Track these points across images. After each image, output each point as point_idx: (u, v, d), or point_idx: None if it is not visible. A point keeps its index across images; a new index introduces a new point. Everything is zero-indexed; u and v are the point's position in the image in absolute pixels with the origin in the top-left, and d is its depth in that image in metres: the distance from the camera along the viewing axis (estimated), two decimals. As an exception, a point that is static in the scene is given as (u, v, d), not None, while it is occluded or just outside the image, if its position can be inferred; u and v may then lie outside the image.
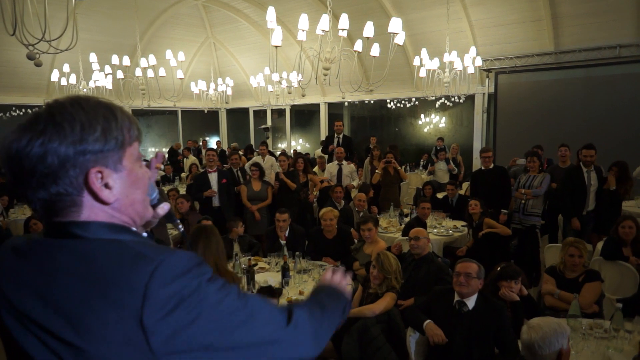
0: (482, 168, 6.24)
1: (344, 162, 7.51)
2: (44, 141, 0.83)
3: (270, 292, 3.02)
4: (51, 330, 0.82)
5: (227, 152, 11.24)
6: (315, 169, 9.07)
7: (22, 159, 0.84)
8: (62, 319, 0.81)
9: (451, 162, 9.25)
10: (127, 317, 0.78)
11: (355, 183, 7.53)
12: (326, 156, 8.86)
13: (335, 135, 8.74)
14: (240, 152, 10.45)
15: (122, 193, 0.91)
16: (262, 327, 0.89)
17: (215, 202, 6.27)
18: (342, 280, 1.25)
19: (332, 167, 7.58)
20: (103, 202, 0.90)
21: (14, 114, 12.43)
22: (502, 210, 5.75)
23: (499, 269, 3.31)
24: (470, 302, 2.94)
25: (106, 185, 0.88)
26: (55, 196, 0.87)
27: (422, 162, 11.79)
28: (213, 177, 6.29)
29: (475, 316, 2.90)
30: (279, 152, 10.52)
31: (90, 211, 0.89)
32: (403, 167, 9.22)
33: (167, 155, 12.86)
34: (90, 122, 0.87)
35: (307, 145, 15.93)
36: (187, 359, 0.82)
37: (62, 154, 0.84)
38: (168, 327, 0.79)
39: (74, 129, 0.85)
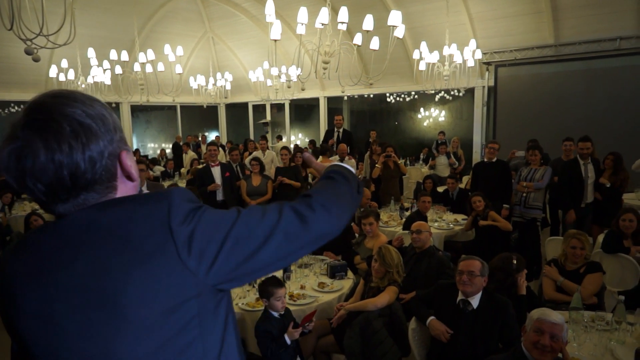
0: (485, 160, 6.22)
1: (346, 157, 7.53)
2: (83, 149, 0.85)
3: (277, 283, 3.03)
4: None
5: (226, 147, 11.22)
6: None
7: (61, 170, 0.84)
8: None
9: (452, 156, 9.24)
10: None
11: None
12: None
13: (335, 129, 8.72)
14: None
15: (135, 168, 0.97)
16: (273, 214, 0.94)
17: (219, 196, 6.26)
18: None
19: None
20: (133, 179, 0.96)
21: (12, 110, 12.38)
22: (504, 205, 5.74)
23: (501, 258, 3.29)
24: (475, 301, 2.89)
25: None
26: (97, 192, 0.90)
27: (422, 156, 11.77)
28: (216, 171, 6.28)
29: (480, 315, 2.86)
30: (280, 146, 10.53)
31: (122, 193, 0.95)
32: (402, 160, 9.20)
33: (170, 151, 12.86)
34: (100, 113, 0.90)
35: (307, 140, 15.90)
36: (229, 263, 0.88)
37: (101, 152, 0.88)
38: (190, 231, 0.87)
39: (101, 124, 0.89)
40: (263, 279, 3.14)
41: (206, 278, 0.87)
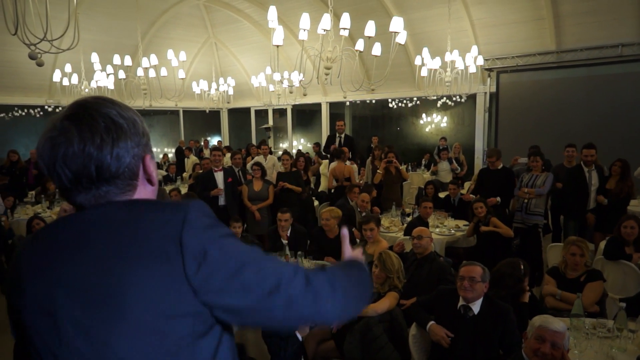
0: (490, 168, 6.23)
1: (347, 162, 7.53)
2: (113, 144, 0.91)
3: None
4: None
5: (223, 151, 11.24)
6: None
7: (90, 162, 0.90)
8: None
9: (454, 161, 9.24)
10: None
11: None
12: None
13: (337, 135, 8.74)
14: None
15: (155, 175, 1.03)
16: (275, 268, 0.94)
17: (221, 201, 6.25)
18: (361, 255, 1.26)
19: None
20: (152, 183, 1.02)
21: (16, 114, 12.45)
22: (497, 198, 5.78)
23: (508, 264, 3.29)
24: (476, 307, 2.88)
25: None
26: (117, 187, 0.95)
27: (423, 162, 11.77)
28: (219, 176, 6.28)
29: (481, 321, 2.85)
30: (280, 152, 10.53)
31: (141, 195, 1.00)
32: (404, 166, 9.22)
33: (172, 155, 12.89)
34: (132, 117, 0.96)
35: (309, 145, 15.92)
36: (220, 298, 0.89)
37: (128, 150, 0.94)
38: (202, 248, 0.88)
39: (132, 126, 0.95)
40: None
41: (204, 298, 0.88)
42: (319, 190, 8.67)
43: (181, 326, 0.87)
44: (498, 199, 5.84)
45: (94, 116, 0.90)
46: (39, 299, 0.89)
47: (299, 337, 2.90)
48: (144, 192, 1.00)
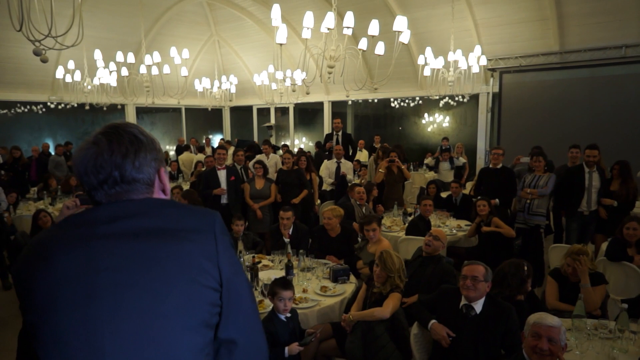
0: (490, 166, 6.22)
1: (342, 160, 7.57)
2: (135, 155, 1.11)
3: (284, 284, 3.04)
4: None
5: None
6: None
7: (116, 170, 1.08)
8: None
9: (455, 160, 9.26)
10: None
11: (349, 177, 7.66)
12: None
13: (334, 132, 8.77)
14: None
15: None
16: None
17: (224, 199, 6.26)
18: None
19: (330, 165, 7.64)
20: (166, 194, 1.20)
21: (18, 110, 12.46)
22: (496, 199, 5.78)
23: (512, 264, 3.29)
24: (478, 306, 2.88)
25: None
26: (137, 190, 1.12)
27: (425, 162, 11.75)
28: (222, 174, 6.28)
29: (483, 320, 2.85)
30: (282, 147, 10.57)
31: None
32: (406, 165, 9.21)
33: (174, 153, 12.89)
34: (151, 136, 1.17)
35: (311, 144, 15.92)
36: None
37: (148, 162, 1.13)
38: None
39: (150, 143, 1.14)
40: (273, 279, 3.17)
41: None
42: (321, 188, 8.69)
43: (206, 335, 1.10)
44: (497, 200, 5.83)
45: (121, 133, 1.11)
46: (76, 278, 0.99)
47: (286, 353, 2.88)
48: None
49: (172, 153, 13.87)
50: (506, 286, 3.15)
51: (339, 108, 14.20)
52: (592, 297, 3.34)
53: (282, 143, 13.46)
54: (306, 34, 4.86)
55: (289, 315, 3.04)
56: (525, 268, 3.22)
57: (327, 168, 7.66)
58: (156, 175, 1.16)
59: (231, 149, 10.33)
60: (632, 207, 5.66)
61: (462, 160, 9.83)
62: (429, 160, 10.87)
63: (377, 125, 15.09)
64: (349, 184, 6.84)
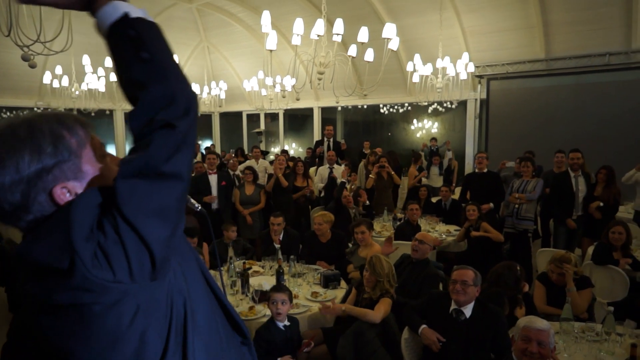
0: (476, 171, 6.29)
1: (335, 165, 7.60)
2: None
3: (277, 287, 3.05)
4: None
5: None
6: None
7: None
8: None
9: (445, 153, 9.33)
10: None
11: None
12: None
13: (326, 139, 8.81)
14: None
15: None
16: None
17: (214, 205, 6.24)
18: None
19: (323, 170, 7.66)
20: None
21: (4, 116, 12.30)
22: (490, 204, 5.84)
23: (505, 266, 3.34)
24: (467, 311, 2.91)
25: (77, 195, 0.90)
26: (34, 222, 0.89)
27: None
28: (213, 179, 6.26)
29: (473, 324, 2.87)
30: (272, 157, 10.53)
31: None
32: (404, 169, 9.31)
33: None
34: (34, 143, 0.89)
35: (300, 150, 15.93)
36: None
37: (20, 186, 0.85)
38: None
39: (21, 157, 0.86)
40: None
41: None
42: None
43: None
44: (491, 205, 5.90)
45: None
46: None
47: None
48: None
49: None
50: (503, 285, 3.20)
51: (328, 114, 14.24)
52: (578, 301, 3.40)
53: (281, 149, 13.48)
54: (296, 40, 4.89)
55: (287, 323, 3.02)
56: (518, 268, 3.28)
57: (320, 174, 7.68)
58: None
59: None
60: (616, 211, 5.76)
61: (449, 155, 9.88)
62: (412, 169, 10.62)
63: (366, 131, 15.15)
64: (338, 184, 6.85)
